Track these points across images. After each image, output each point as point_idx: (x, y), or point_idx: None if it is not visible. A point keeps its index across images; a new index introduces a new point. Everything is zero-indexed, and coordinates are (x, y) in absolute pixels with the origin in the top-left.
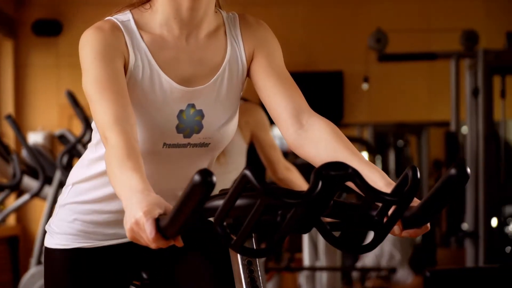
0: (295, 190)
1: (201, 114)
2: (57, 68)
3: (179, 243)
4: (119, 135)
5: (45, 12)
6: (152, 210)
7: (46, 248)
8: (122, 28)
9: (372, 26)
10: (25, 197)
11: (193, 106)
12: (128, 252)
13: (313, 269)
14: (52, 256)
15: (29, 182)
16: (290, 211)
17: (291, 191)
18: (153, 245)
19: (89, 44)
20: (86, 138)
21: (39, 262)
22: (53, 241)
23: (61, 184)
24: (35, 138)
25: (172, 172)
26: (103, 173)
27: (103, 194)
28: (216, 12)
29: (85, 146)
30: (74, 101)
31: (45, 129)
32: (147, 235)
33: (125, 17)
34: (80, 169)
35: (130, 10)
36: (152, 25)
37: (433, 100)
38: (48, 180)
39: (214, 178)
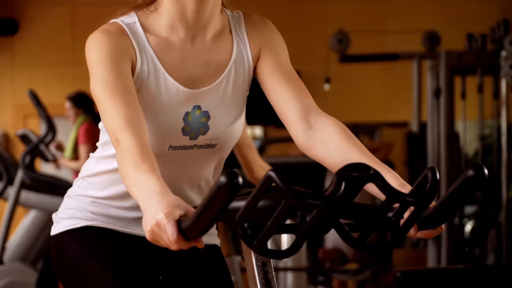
0: (317, 191)
1: (207, 115)
2: (11, 68)
3: (200, 244)
4: (131, 137)
5: (0, 10)
6: (173, 211)
7: (52, 236)
8: (128, 31)
9: (329, 27)
10: None
11: (199, 107)
12: (141, 246)
13: (276, 269)
14: (61, 239)
15: None
16: (311, 212)
17: (314, 193)
18: (174, 247)
19: (96, 48)
20: (48, 138)
21: (0, 262)
22: (60, 226)
23: (23, 184)
24: None
25: (179, 174)
26: (111, 171)
27: (112, 193)
28: (221, 11)
29: (47, 146)
30: (37, 100)
31: None
32: (169, 237)
33: (130, 19)
34: (89, 164)
35: (135, 12)
36: (158, 27)
37: (389, 101)
38: (10, 181)
39: (241, 180)
